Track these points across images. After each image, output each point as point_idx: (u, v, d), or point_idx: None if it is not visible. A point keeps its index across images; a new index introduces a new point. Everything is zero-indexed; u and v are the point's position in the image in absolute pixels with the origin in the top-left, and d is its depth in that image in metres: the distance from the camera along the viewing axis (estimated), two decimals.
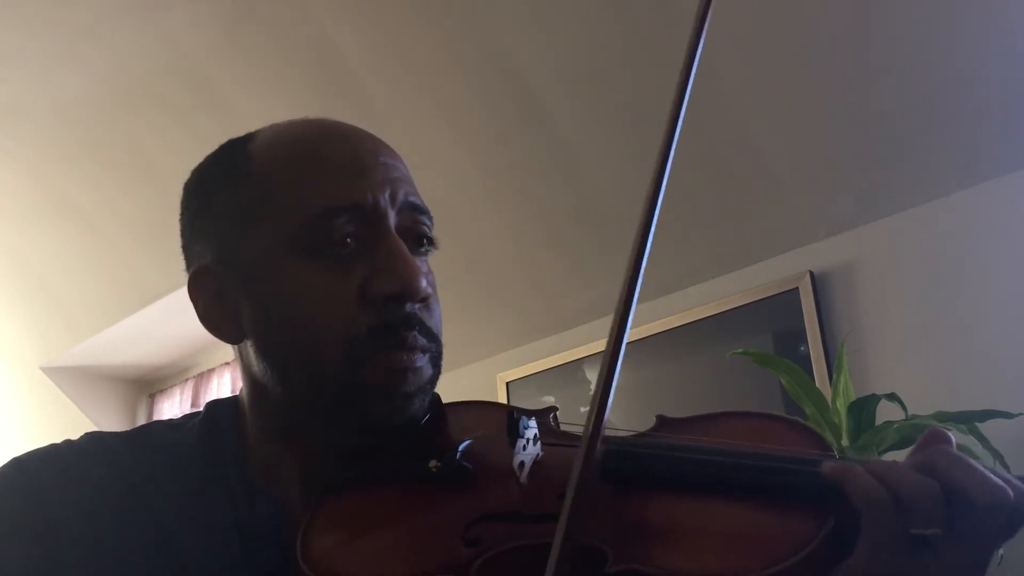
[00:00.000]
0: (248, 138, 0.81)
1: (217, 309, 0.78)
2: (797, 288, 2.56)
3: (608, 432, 0.67)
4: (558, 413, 0.80)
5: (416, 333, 0.74)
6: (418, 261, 0.75)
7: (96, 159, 3.48)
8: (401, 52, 2.78)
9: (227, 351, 4.34)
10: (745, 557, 0.61)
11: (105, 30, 2.95)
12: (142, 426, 0.84)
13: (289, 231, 0.73)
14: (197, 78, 3.06)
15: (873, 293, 2.47)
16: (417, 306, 0.74)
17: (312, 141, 0.78)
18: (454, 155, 2.86)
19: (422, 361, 0.74)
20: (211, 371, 4.44)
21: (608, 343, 0.62)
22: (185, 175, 0.85)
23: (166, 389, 4.70)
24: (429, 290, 0.75)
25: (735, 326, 2.67)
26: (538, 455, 0.71)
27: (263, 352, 0.75)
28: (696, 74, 0.66)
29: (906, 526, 0.59)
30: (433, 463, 0.71)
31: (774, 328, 2.61)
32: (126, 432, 0.82)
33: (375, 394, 0.73)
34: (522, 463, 0.70)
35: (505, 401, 3.16)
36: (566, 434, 0.77)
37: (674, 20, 2.41)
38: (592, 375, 3.00)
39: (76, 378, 4.49)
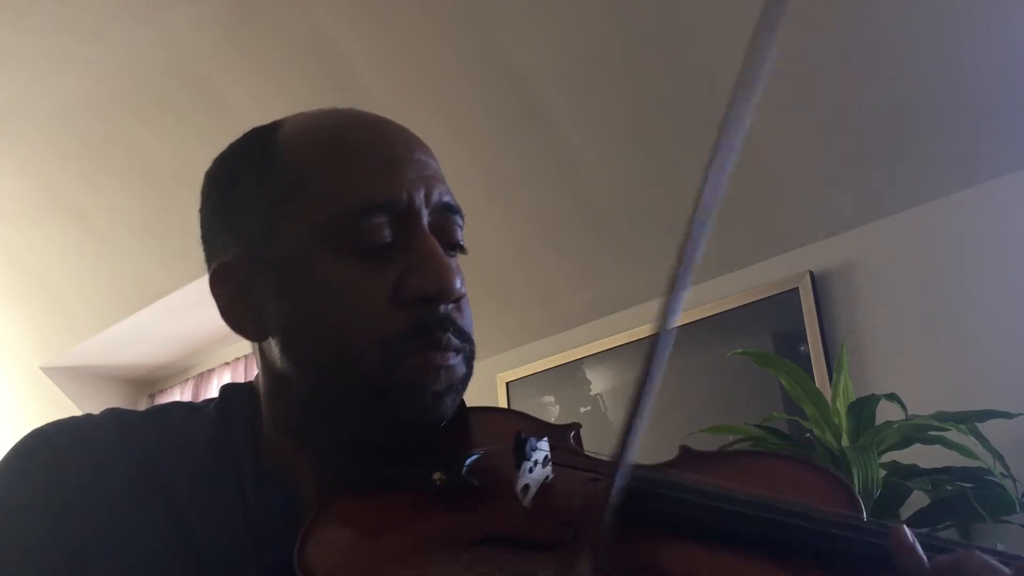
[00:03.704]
0: (275, 126, 0.78)
1: (240, 306, 0.76)
2: (797, 288, 2.56)
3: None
4: (580, 431, 0.77)
5: (450, 334, 0.72)
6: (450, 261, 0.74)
7: (96, 159, 3.48)
8: (401, 52, 2.78)
9: (227, 351, 4.35)
10: None
11: (105, 31, 2.95)
12: (162, 405, 0.83)
13: (322, 226, 0.71)
14: (197, 78, 3.06)
15: (873, 293, 2.47)
16: (450, 306, 0.73)
17: (345, 133, 0.76)
18: (454, 155, 2.86)
19: (455, 360, 0.73)
20: (211, 371, 4.45)
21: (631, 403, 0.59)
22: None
23: (166, 389, 4.70)
24: (463, 290, 0.74)
25: (735, 326, 2.67)
26: (548, 477, 0.69)
27: (290, 350, 0.73)
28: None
29: None
30: (438, 476, 0.68)
31: (774, 328, 2.61)
32: (146, 410, 0.81)
33: (407, 392, 0.71)
34: (526, 486, 0.67)
35: (505, 402, 3.15)
36: (582, 455, 0.74)
37: (674, 19, 2.41)
38: (592, 375, 3.00)
39: (76, 378, 4.49)
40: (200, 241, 0.80)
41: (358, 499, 0.70)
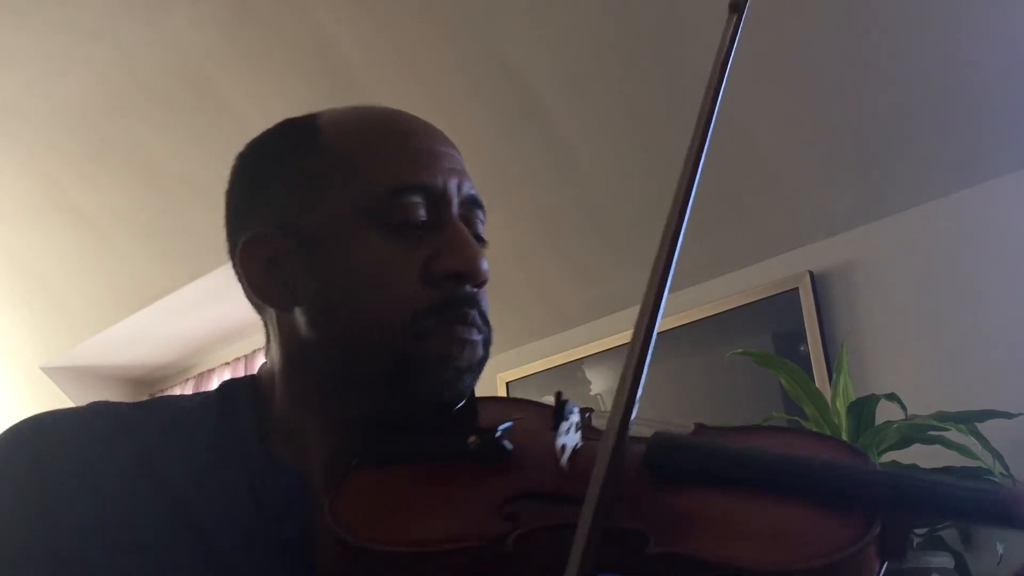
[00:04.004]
0: (312, 116, 0.82)
1: (271, 276, 0.78)
2: (797, 288, 2.56)
3: (653, 427, 0.69)
4: (593, 414, 0.81)
5: (475, 312, 0.77)
6: None
7: (96, 159, 3.48)
8: (401, 52, 2.78)
9: (227, 351, 4.35)
10: (786, 551, 0.61)
11: (105, 31, 2.95)
12: (154, 398, 0.85)
13: (362, 202, 0.75)
14: (197, 78, 3.06)
15: (873, 293, 2.47)
16: (475, 289, 0.77)
17: (383, 121, 0.82)
18: None
19: (477, 337, 0.77)
20: (211, 371, 4.44)
21: (636, 334, 0.64)
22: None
23: (166, 389, 4.70)
24: (488, 275, 0.78)
25: (735, 326, 2.67)
26: (578, 444, 0.72)
27: (318, 321, 0.76)
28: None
29: None
30: (472, 439, 0.71)
31: (774, 328, 2.61)
32: (137, 402, 0.82)
33: (432, 365, 0.74)
34: (564, 446, 0.70)
35: None
36: (600, 431, 0.77)
37: (674, 19, 2.41)
38: (592, 375, 3.00)
39: (76, 378, 4.49)
40: (224, 222, 0.82)
41: (390, 465, 0.72)
